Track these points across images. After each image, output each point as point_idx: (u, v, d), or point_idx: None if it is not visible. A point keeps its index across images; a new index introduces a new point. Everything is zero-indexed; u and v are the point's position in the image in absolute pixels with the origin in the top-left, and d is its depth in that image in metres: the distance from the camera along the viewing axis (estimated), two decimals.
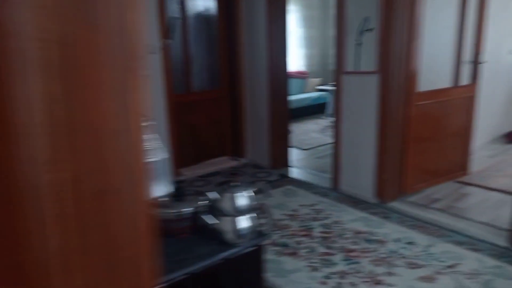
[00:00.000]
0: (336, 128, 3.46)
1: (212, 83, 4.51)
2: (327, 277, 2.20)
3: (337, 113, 3.43)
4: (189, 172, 4.18)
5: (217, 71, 4.46)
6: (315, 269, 2.28)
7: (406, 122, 3.08)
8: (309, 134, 5.92)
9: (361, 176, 3.29)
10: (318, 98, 7.37)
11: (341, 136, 3.43)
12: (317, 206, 3.16)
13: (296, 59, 7.80)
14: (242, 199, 1.33)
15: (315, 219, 2.92)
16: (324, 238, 2.63)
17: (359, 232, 2.67)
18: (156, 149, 1.28)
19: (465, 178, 3.50)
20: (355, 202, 3.20)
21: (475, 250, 2.37)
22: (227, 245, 1.32)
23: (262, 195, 3.41)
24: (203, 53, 4.39)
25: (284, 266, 2.32)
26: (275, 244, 2.56)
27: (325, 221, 2.87)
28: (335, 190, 3.50)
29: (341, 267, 2.29)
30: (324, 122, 6.75)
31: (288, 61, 4.14)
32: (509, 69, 4.83)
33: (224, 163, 4.47)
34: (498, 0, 3.99)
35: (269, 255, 2.37)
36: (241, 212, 1.32)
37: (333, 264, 2.32)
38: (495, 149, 4.46)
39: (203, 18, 4.32)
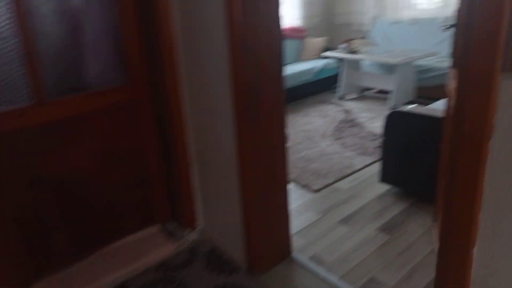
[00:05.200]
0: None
1: (110, 73, 1.93)
2: None
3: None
4: None
5: (121, 44, 1.87)
6: None
7: None
8: (316, 141, 3.44)
9: None
10: (323, 70, 4.81)
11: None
12: None
13: (286, 8, 5.13)
14: None
15: None
16: None
17: None
18: None
19: None
20: None
21: None
22: None
23: None
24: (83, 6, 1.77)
25: None
26: None
27: None
28: None
29: None
30: (335, 110, 4.26)
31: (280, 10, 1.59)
32: None
33: (144, 250, 1.99)
34: None
35: None
36: None
37: None
38: None
39: None
